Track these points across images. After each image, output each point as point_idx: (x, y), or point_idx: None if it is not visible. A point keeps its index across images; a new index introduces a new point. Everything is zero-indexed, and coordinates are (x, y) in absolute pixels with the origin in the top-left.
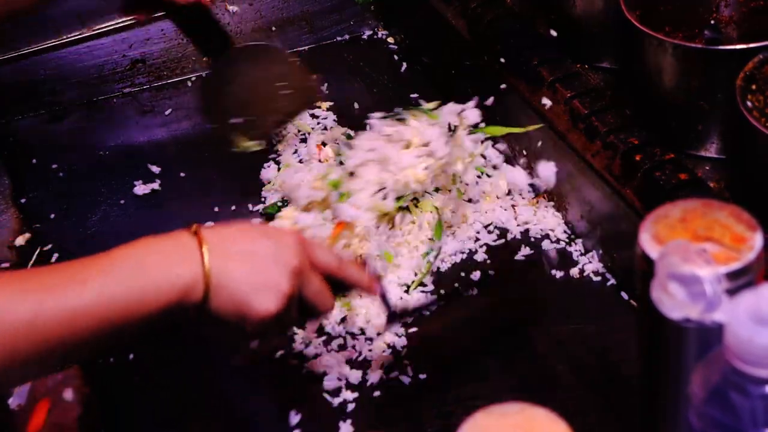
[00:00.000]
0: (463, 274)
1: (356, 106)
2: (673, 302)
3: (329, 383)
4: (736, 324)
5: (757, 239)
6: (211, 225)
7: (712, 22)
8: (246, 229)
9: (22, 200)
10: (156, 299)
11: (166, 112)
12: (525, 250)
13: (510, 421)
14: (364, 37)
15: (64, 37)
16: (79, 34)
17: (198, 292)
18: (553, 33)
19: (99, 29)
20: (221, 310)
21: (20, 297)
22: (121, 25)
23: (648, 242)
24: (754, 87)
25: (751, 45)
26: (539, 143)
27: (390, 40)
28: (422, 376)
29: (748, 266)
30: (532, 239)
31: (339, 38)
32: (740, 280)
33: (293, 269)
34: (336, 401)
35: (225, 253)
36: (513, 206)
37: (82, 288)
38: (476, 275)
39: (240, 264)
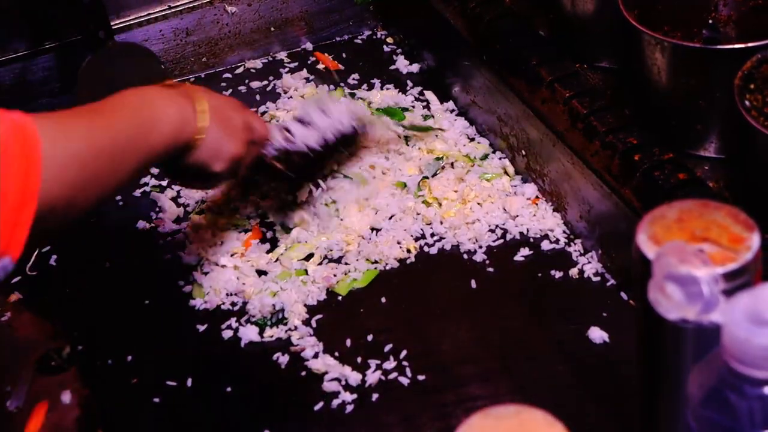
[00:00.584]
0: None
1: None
2: (670, 303)
3: (328, 385)
4: (733, 325)
5: (755, 240)
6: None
7: (711, 21)
8: (227, 101)
9: None
10: (159, 131)
11: None
12: (524, 251)
13: (506, 424)
14: (363, 37)
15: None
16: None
17: (189, 133)
18: (550, 33)
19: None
20: (202, 154)
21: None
22: (120, 25)
23: (645, 243)
24: (752, 86)
25: (750, 44)
26: (539, 143)
27: (389, 40)
28: (421, 378)
29: (746, 267)
30: (531, 239)
31: (338, 38)
32: (737, 281)
33: (246, 122)
34: (335, 403)
35: (212, 112)
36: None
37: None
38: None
39: (215, 115)
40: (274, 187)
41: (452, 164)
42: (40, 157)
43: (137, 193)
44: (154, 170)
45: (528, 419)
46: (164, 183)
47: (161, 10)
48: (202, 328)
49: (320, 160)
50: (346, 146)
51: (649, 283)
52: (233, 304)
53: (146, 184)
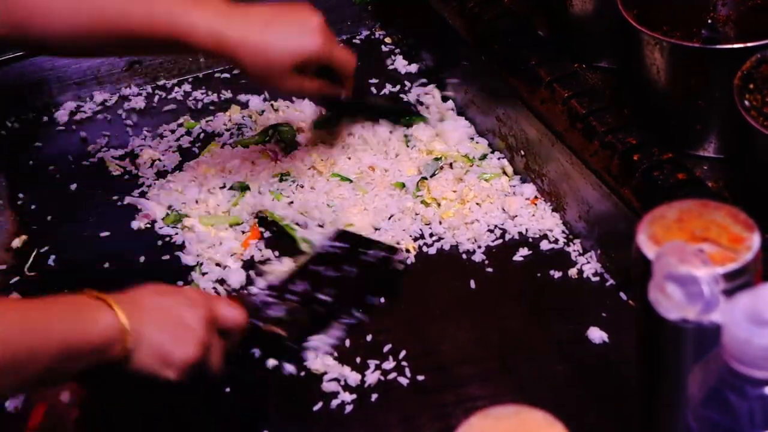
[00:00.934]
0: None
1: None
2: (670, 303)
3: (327, 385)
4: (733, 325)
5: (755, 240)
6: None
7: (710, 21)
8: (150, 289)
9: (19, 202)
10: (78, 359)
11: (163, 114)
12: (523, 251)
13: (505, 424)
14: (362, 37)
15: None
16: None
17: (117, 350)
18: (549, 33)
19: None
20: (144, 363)
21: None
22: None
23: (645, 243)
24: (751, 86)
25: (749, 44)
26: (538, 143)
27: (387, 40)
28: (420, 378)
29: (746, 267)
30: (530, 240)
31: (336, 38)
32: (738, 281)
33: (205, 317)
34: (334, 403)
35: (138, 309)
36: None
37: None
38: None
39: (155, 318)
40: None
41: (451, 164)
42: None
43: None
44: None
45: (528, 419)
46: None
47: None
48: None
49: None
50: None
51: (649, 283)
52: None
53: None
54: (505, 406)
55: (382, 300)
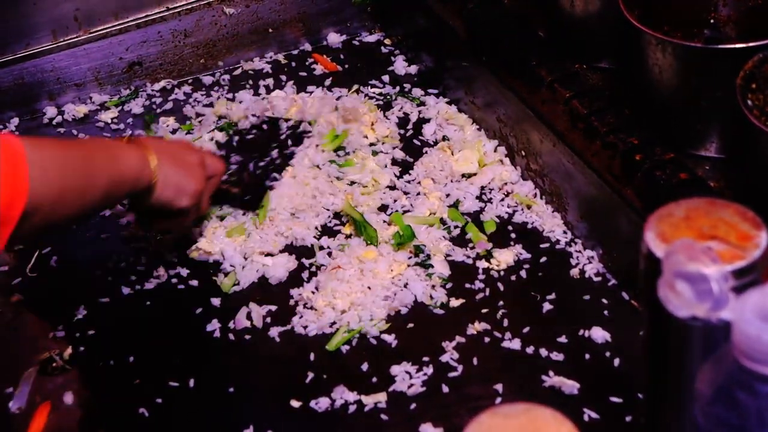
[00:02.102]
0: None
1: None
2: (680, 301)
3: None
4: (743, 322)
5: (763, 237)
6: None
7: (712, 21)
8: (177, 143)
9: None
10: (123, 165)
11: (164, 115)
12: (525, 252)
13: (515, 422)
14: (362, 38)
15: (61, 39)
16: (76, 37)
17: (145, 182)
18: (549, 33)
19: (95, 31)
20: (164, 194)
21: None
22: (118, 27)
23: (653, 241)
24: (754, 86)
25: (751, 44)
26: (539, 143)
27: (387, 41)
28: (424, 377)
29: (754, 264)
30: (532, 240)
31: (336, 39)
32: (746, 278)
33: (202, 161)
34: (338, 403)
35: (159, 152)
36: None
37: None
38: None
39: (171, 159)
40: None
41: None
42: (25, 162)
43: None
44: None
45: (536, 417)
46: None
47: (159, 12)
48: (207, 328)
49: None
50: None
51: (658, 281)
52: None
53: None
54: (514, 403)
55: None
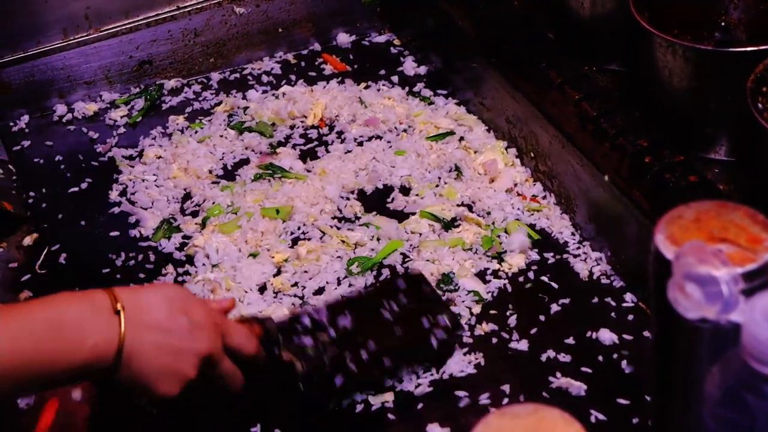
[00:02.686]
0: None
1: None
2: (690, 302)
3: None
4: (753, 324)
5: None
6: (132, 288)
7: (722, 24)
8: (166, 298)
9: (30, 200)
10: (69, 362)
11: (172, 113)
12: (533, 253)
13: (523, 422)
14: (371, 39)
15: (72, 38)
16: (87, 35)
17: (109, 360)
18: (558, 35)
19: (106, 30)
20: (127, 380)
21: None
22: (128, 26)
23: (663, 243)
24: (764, 89)
25: (762, 47)
26: (548, 144)
27: (396, 41)
28: (432, 378)
29: (765, 267)
30: (540, 241)
31: (345, 39)
32: (757, 281)
33: (202, 354)
34: (345, 403)
35: (141, 324)
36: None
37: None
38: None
39: (153, 339)
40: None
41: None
42: None
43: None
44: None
45: (545, 417)
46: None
47: (170, 11)
48: None
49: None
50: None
51: (668, 283)
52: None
53: None
54: (521, 404)
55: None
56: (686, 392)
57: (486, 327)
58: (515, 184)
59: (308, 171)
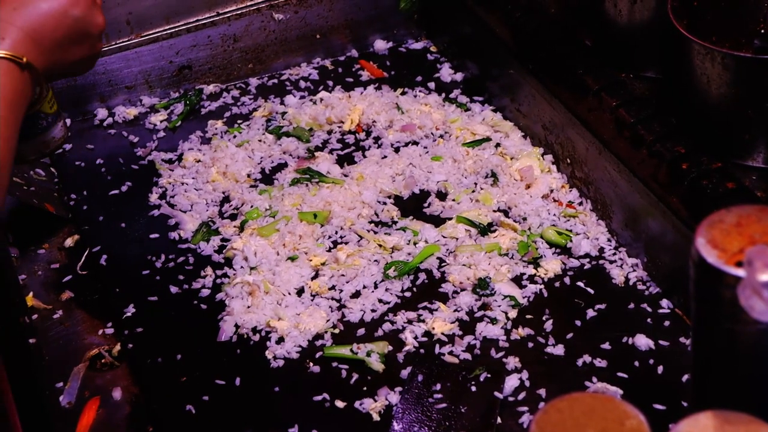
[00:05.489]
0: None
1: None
2: (765, 306)
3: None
4: None
5: None
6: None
7: (762, 31)
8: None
9: (71, 203)
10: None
11: (212, 117)
12: (570, 259)
13: (583, 406)
14: (408, 45)
15: (113, 42)
16: (128, 40)
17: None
18: (595, 42)
19: (147, 35)
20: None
21: None
22: (169, 31)
23: (704, 246)
24: None
25: None
26: (585, 151)
27: (433, 48)
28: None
29: None
30: (575, 249)
31: (383, 46)
32: None
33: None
34: (381, 404)
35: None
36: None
37: None
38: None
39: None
40: None
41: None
42: None
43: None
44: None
45: (605, 401)
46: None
47: (210, 17)
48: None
49: None
50: None
51: (740, 289)
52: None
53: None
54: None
55: None
56: (745, 391)
57: (522, 331)
58: (551, 191)
59: (345, 176)
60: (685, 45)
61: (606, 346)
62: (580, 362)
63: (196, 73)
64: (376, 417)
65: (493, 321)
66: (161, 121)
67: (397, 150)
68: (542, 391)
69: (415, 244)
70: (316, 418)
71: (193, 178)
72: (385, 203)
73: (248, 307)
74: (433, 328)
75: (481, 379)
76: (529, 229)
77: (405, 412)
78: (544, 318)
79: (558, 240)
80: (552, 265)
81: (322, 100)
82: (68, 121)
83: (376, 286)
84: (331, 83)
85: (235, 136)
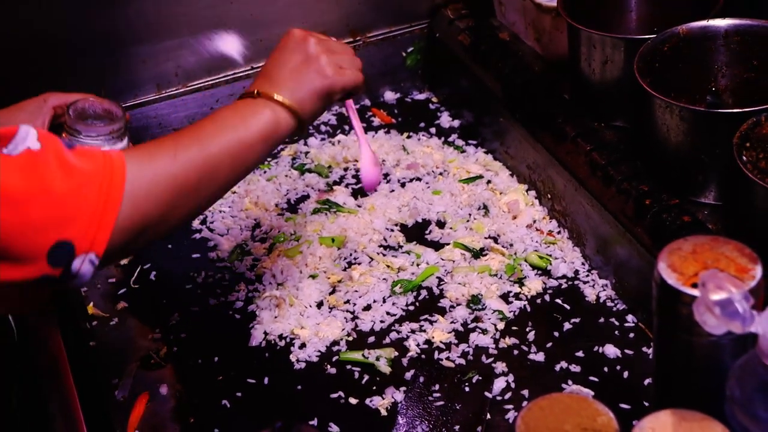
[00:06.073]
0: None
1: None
2: (716, 321)
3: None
4: None
5: (758, 270)
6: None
7: (713, 89)
8: (282, 54)
9: None
10: (263, 140)
11: None
12: (549, 280)
13: (562, 405)
14: (413, 96)
15: (163, 91)
16: (175, 90)
17: (288, 120)
18: (573, 96)
19: (192, 86)
20: (308, 110)
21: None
22: (210, 82)
23: (665, 270)
24: (748, 144)
25: (746, 109)
26: (563, 188)
27: (434, 99)
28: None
29: (753, 291)
30: (555, 270)
31: (391, 97)
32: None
33: (317, 54)
34: (388, 401)
35: (277, 80)
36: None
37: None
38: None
39: (290, 76)
40: None
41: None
42: (123, 177)
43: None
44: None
45: (581, 400)
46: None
47: (245, 70)
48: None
49: None
50: None
51: (695, 307)
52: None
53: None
54: (560, 393)
55: None
56: (702, 394)
57: (508, 341)
58: (534, 221)
59: (359, 206)
60: (648, 99)
61: (580, 354)
62: (557, 367)
63: None
64: (383, 412)
65: (484, 331)
66: None
67: (403, 185)
68: (525, 392)
69: (417, 265)
70: (333, 412)
71: (229, 207)
72: (392, 230)
73: (275, 317)
74: (433, 337)
75: (474, 381)
76: (515, 253)
77: (408, 408)
78: (527, 329)
79: (540, 263)
80: (534, 285)
81: (339, 141)
82: None
83: (384, 301)
84: (347, 127)
85: (265, 172)
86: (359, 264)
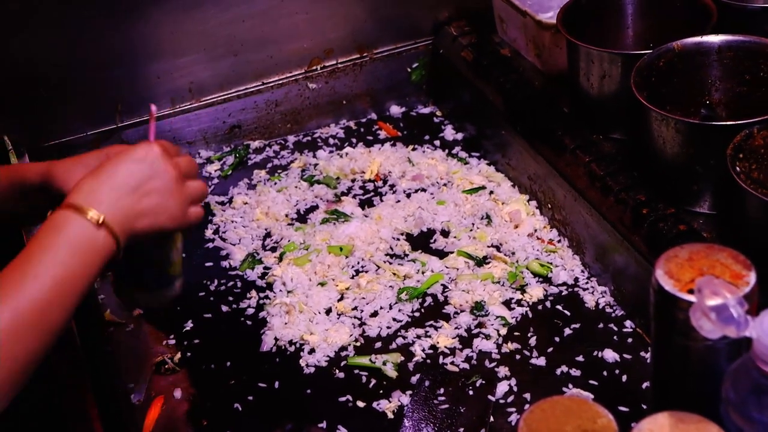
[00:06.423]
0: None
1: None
2: (712, 326)
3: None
4: (764, 337)
5: (752, 276)
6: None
7: (707, 102)
8: (114, 159)
9: None
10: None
11: (257, 168)
12: (550, 287)
13: (563, 407)
14: (418, 110)
15: (177, 106)
16: (189, 104)
17: (111, 245)
18: (572, 109)
19: (205, 100)
20: (142, 233)
21: None
22: (223, 97)
23: (662, 277)
24: (741, 156)
25: (739, 122)
26: (563, 198)
27: (438, 112)
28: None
29: (747, 297)
30: (556, 277)
31: (397, 110)
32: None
33: (170, 177)
34: (394, 404)
35: (107, 194)
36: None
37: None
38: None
39: (126, 194)
40: None
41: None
42: None
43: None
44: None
45: (581, 403)
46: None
47: (256, 86)
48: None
49: None
50: None
51: (691, 311)
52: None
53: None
54: (561, 396)
55: None
56: (698, 397)
57: (511, 346)
58: (535, 230)
59: (366, 216)
60: (645, 112)
61: (580, 358)
62: (558, 371)
63: (244, 132)
64: (390, 415)
65: (487, 337)
66: (215, 171)
67: (408, 195)
68: (528, 395)
69: (423, 273)
70: (341, 415)
71: (241, 217)
72: (398, 239)
73: (285, 323)
74: (438, 342)
75: (477, 385)
76: (517, 261)
77: (414, 411)
78: (529, 335)
79: (541, 271)
80: (536, 292)
81: (347, 154)
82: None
83: (390, 307)
84: (354, 140)
85: (275, 183)
86: (366, 272)
